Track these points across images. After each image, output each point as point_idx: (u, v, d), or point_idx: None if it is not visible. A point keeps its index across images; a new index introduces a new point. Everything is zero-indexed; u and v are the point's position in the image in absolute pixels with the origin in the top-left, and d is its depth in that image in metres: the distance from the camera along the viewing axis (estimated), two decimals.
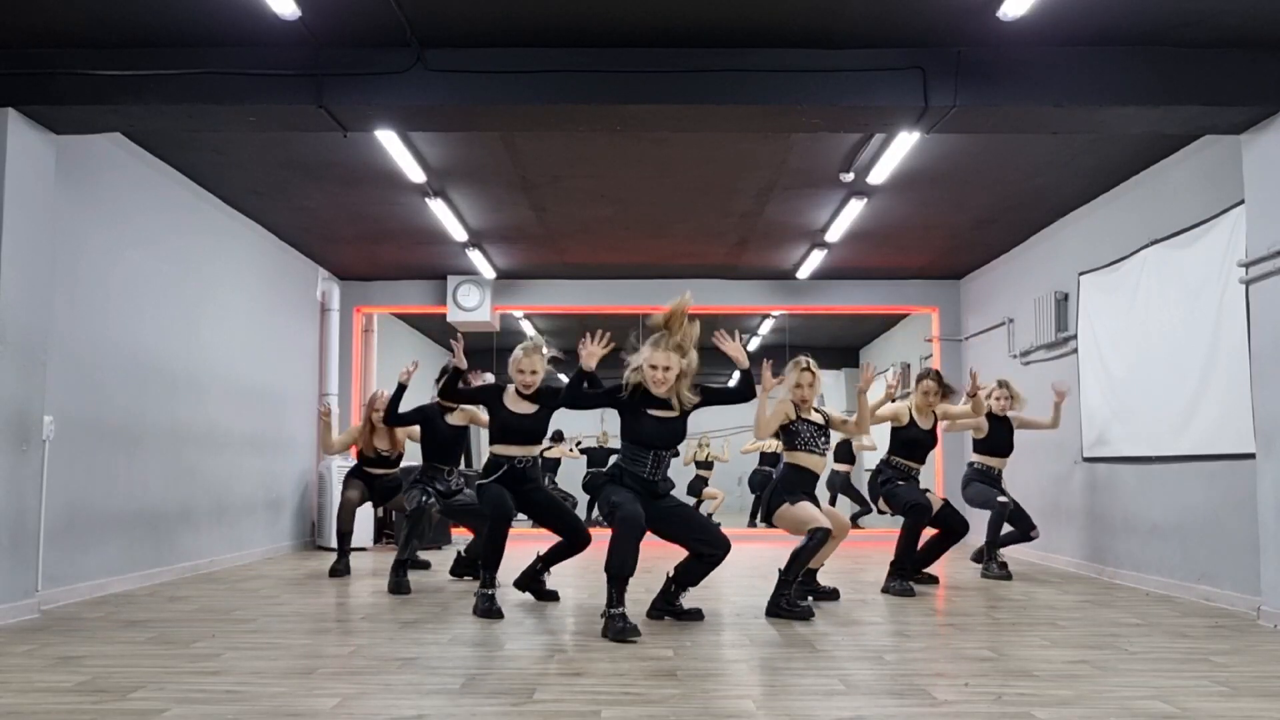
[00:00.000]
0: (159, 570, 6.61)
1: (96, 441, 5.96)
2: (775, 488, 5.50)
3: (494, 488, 5.35)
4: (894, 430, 6.58)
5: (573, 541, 5.48)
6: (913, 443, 6.53)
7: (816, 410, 5.62)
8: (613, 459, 5.16)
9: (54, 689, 3.44)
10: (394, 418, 6.32)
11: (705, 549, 4.88)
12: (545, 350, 5.50)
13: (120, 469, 6.21)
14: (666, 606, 5.02)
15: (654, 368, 4.77)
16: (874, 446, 12.21)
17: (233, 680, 3.58)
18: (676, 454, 5.00)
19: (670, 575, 5.04)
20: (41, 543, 5.28)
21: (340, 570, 7.01)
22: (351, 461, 7.67)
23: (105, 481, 6.05)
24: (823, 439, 5.54)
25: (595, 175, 7.05)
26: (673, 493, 5.04)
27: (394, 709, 3.17)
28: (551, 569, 5.68)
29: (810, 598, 5.59)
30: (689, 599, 5.10)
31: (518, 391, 5.47)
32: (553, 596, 5.66)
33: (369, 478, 7.37)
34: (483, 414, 6.03)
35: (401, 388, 6.23)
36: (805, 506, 5.36)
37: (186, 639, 4.41)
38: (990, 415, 7.15)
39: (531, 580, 5.65)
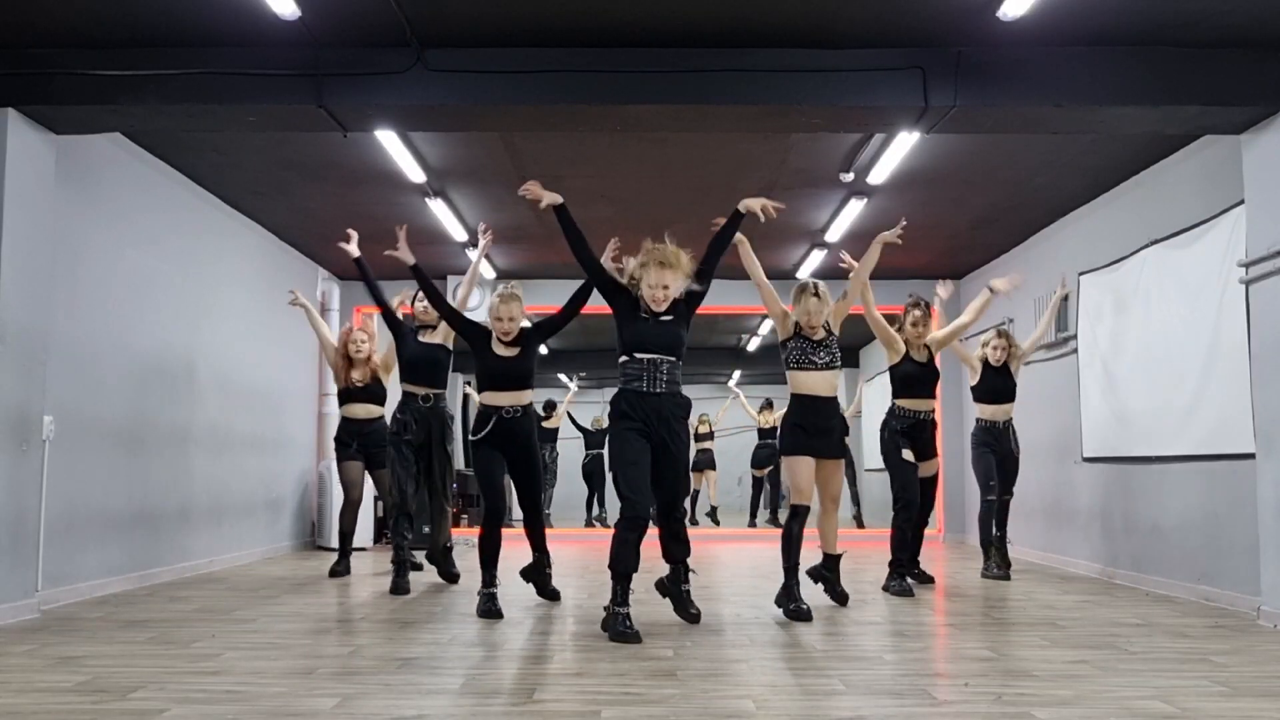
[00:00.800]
0: (159, 570, 6.61)
1: (96, 441, 5.95)
2: (781, 428, 5.39)
3: (484, 464, 5.27)
4: (891, 370, 6.47)
5: (530, 521, 5.51)
6: (908, 379, 6.39)
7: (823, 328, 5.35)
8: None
9: (54, 689, 3.44)
10: (371, 285, 6.32)
11: (665, 549, 4.85)
12: (522, 297, 5.42)
13: (120, 469, 6.21)
14: (673, 589, 4.95)
15: (651, 287, 4.66)
16: (858, 411, 12.23)
17: (233, 680, 3.58)
18: (678, 363, 4.70)
19: (666, 582, 5.02)
20: (41, 543, 5.28)
21: (340, 571, 7.01)
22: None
23: (105, 481, 6.05)
24: (821, 351, 5.27)
25: (595, 175, 7.04)
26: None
27: (394, 709, 3.17)
28: (550, 561, 5.67)
29: (833, 587, 5.55)
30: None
31: (499, 339, 5.41)
32: (554, 595, 5.66)
33: (355, 433, 7.20)
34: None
35: (359, 262, 6.32)
36: (798, 466, 5.18)
37: (186, 639, 4.41)
38: (986, 364, 7.05)
39: (536, 573, 5.65)
